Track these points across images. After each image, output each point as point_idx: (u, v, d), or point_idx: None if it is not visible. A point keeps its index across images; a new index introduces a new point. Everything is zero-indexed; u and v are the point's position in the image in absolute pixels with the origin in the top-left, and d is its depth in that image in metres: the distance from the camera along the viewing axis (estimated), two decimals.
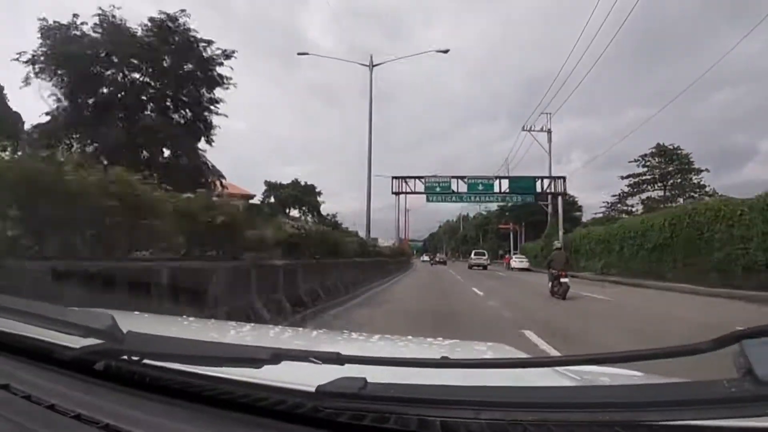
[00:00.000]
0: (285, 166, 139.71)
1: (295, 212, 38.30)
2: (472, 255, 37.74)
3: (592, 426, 0.52)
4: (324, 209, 42.76)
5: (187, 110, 17.63)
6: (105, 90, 16.33)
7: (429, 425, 0.57)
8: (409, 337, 1.42)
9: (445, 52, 21.96)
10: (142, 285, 3.88)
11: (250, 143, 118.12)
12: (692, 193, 37.41)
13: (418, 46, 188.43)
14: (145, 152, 16.40)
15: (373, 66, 21.82)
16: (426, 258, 62.17)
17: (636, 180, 40.97)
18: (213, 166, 17.96)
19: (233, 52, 17.55)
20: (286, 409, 0.65)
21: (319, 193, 42.33)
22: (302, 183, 42.22)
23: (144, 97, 16.95)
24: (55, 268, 3.19)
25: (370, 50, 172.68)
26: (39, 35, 15.51)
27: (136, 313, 1.38)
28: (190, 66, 17.10)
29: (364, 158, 21.64)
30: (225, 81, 17.52)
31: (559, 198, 30.13)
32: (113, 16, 15.93)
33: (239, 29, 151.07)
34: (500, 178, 31.99)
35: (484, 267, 34.25)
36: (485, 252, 38.91)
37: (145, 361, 0.74)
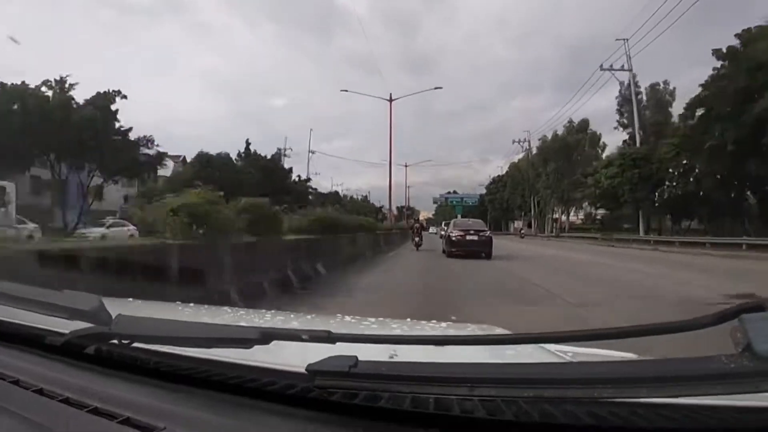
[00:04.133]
0: (323, 141, 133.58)
1: None
2: None
3: (586, 402, 0.52)
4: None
5: None
6: None
7: (422, 403, 0.56)
8: (408, 320, 1.42)
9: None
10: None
11: (289, 119, 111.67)
12: None
13: (457, 8, 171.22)
14: None
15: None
16: (434, 230, 38.69)
17: None
18: None
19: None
20: (277, 389, 0.64)
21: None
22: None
23: None
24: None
25: (404, 13, 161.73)
26: None
27: (128, 299, 1.37)
28: None
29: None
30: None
31: None
32: None
33: None
34: None
35: None
36: None
37: (135, 344, 0.73)
